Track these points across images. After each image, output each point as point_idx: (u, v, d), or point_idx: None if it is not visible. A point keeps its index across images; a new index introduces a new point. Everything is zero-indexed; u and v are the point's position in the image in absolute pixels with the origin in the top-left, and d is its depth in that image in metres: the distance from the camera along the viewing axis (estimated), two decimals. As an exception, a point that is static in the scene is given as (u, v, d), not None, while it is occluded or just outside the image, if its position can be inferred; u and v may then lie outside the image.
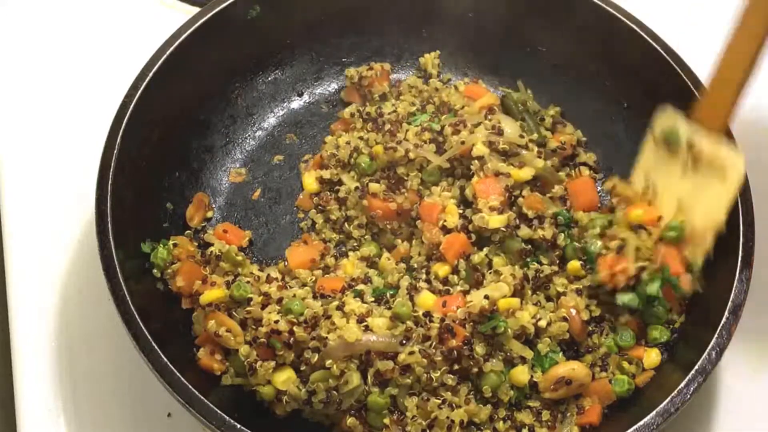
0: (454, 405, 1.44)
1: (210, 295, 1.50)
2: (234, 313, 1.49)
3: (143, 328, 1.37)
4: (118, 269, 1.41)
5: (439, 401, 1.43)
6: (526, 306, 1.52)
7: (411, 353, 1.40)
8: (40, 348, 1.60)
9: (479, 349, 1.45)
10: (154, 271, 1.55)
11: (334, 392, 1.41)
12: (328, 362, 1.39)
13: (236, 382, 1.48)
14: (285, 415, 1.47)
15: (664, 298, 1.52)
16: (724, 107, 1.48)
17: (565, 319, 1.53)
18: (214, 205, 1.73)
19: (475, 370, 1.45)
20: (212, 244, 1.60)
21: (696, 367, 1.39)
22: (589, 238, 1.57)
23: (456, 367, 1.44)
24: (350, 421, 1.44)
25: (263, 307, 1.48)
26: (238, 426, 1.32)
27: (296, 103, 1.88)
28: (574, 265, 1.57)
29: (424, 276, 1.59)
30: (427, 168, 1.64)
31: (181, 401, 1.34)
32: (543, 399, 1.50)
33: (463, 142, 1.62)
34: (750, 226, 1.50)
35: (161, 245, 1.56)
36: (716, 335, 1.41)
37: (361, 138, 1.73)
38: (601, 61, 1.79)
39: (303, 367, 1.43)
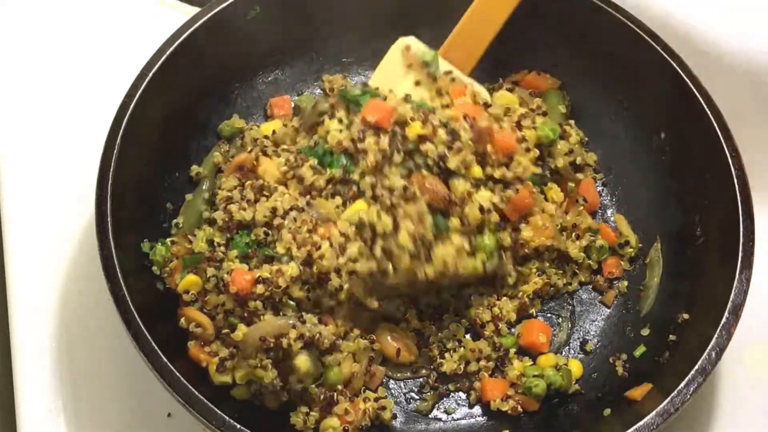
0: None
1: (186, 281, 1.50)
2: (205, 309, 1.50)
3: (143, 328, 1.37)
4: (117, 269, 1.41)
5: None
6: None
7: None
8: (40, 348, 1.60)
9: None
10: (153, 268, 1.55)
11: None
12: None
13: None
14: (283, 416, 1.48)
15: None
16: (471, 53, 1.71)
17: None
18: (213, 205, 1.73)
19: None
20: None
21: (696, 367, 1.39)
22: None
23: None
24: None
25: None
26: (238, 426, 1.32)
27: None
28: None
29: None
30: None
31: (181, 401, 1.34)
32: None
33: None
34: (750, 226, 1.50)
35: (160, 243, 1.57)
36: (716, 335, 1.41)
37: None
38: (601, 62, 1.79)
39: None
